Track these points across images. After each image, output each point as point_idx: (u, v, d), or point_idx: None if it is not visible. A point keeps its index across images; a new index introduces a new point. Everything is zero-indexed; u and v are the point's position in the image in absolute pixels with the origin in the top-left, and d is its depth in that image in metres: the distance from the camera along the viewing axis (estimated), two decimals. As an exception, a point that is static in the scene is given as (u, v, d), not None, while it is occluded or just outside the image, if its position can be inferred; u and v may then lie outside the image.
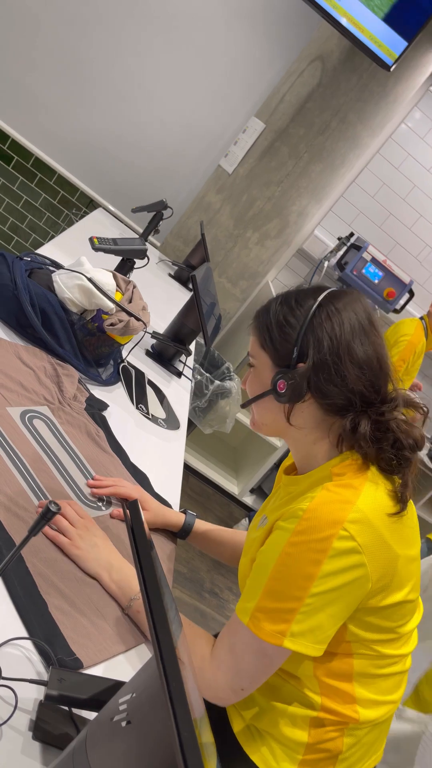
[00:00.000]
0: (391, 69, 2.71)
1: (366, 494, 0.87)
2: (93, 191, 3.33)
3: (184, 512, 1.25)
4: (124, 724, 0.54)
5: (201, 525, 1.26)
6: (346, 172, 3.18)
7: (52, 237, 3.37)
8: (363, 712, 0.97)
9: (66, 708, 0.73)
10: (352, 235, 3.36)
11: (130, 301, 1.54)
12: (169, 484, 1.41)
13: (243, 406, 1.02)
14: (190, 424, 2.62)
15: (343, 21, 2.64)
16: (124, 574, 0.96)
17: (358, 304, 0.95)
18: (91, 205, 3.35)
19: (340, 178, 3.19)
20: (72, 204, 3.36)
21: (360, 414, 0.92)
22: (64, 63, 3.12)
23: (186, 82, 3.17)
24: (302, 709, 0.96)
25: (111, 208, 3.34)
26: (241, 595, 0.92)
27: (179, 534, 1.24)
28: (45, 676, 0.76)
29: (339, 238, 3.40)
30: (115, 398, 1.54)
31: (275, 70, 3.13)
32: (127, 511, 0.62)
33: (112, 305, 1.46)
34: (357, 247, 3.24)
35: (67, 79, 3.15)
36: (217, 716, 1.02)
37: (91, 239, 1.78)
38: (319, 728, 0.97)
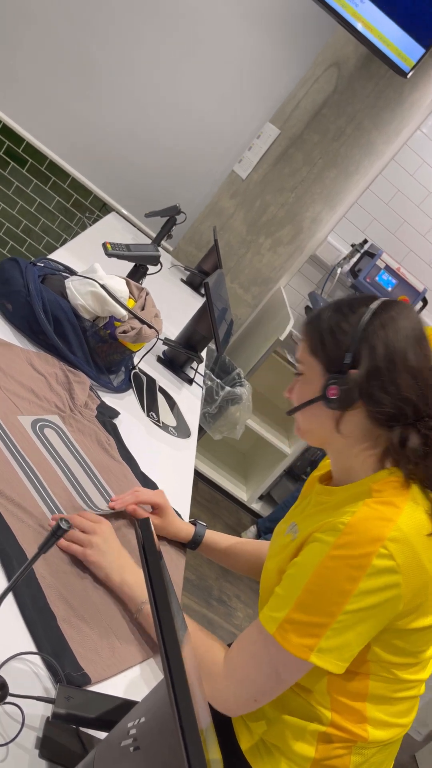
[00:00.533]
0: (408, 76, 2.70)
1: (407, 513, 0.86)
2: (106, 195, 3.33)
3: (194, 523, 1.24)
4: (132, 749, 0.53)
5: (211, 536, 1.25)
6: (360, 178, 3.17)
7: (65, 240, 3.38)
8: (373, 732, 0.95)
9: (73, 726, 0.72)
10: (365, 242, 3.35)
11: (143, 309, 1.53)
12: (179, 492, 1.40)
13: (289, 413, 0.98)
14: (200, 430, 2.61)
15: (360, 27, 2.63)
16: (135, 579, 0.96)
17: (411, 314, 0.95)
18: (105, 208, 3.36)
19: (354, 185, 3.17)
20: (85, 207, 3.37)
21: (408, 427, 0.90)
22: (79, 67, 3.12)
23: (201, 87, 3.16)
24: (311, 723, 0.95)
25: (124, 212, 3.34)
26: (267, 604, 0.89)
27: (189, 545, 1.23)
28: (52, 692, 0.75)
29: (352, 245, 3.39)
30: (126, 405, 1.53)
31: (291, 76, 3.12)
32: (138, 529, 0.61)
33: (124, 312, 1.45)
34: (370, 254, 3.22)
35: (83, 83, 3.16)
36: (223, 726, 1.01)
37: (104, 245, 1.78)
38: (327, 744, 0.95)
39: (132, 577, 0.95)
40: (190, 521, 1.25)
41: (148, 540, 0.61)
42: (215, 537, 1.25)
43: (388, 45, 2.64)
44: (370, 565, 0.81)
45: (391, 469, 0.91)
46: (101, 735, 0.72)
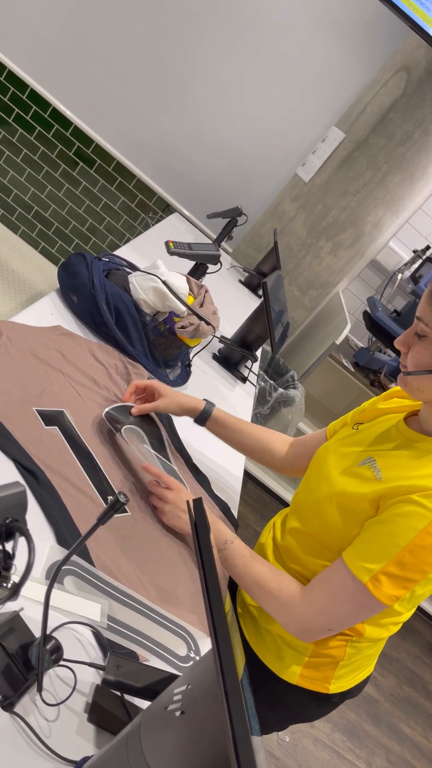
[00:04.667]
0: None
1: None
2: (170, 196, 3.40)
3: (204, 400, 1.32)
4: (178, 714, 0.55)
5: (219, 413, 1.32)
6: (425, 184, 3.12)
7: (128, 240, 3.46)
8: (369, 630, 1.05)
9: (119, 694, 0.75)
10: (428, 248, 3.29)
11: (202, 305, 1.57)
12: (228, 488, 1.42)
13: (408, 374, 0.99)
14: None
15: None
16: (216, 527, 1.08)
17: None
18: (168, 209, 3.42)
19: (419, 190, 3.13)
20: (149, 208, 3.44)
21: None
22: (148, 69, 3.20)
23: (268, 90, 3.19)
24: None
25: (186, 213, 3.40)
26: (356, 553, 0.95)
27: (198, 419, 1.32)
28: (102, 662, 0.78)
29: (414, 251, 3.34)
30: (181, 399, 1.56)
31: (359, 80, 3.11)
32: (192, 511, 0.64)
33: (184, 308, 1.49)
34: (432, 261, 3.17)
35: (151, 85, 3.23)
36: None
37: (166, 243, 1.82)
38: (328, 639, 1.06)
39: (213, 526, 1.06)
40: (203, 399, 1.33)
41: (201, 520, 0.64)
42: (223, 415, 1.33)
43: (460, 48, 2.60)
44: None
45: None
46: (145, 705, 0.75)
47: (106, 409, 1.20)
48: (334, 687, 1.11)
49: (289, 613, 1.00)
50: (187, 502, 0.69)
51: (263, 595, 1.04)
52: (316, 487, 1.08)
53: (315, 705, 1.14)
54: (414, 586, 0.92)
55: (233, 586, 1.23)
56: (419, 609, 3.63)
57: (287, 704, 1.14)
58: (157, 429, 1.32)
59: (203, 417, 1.31)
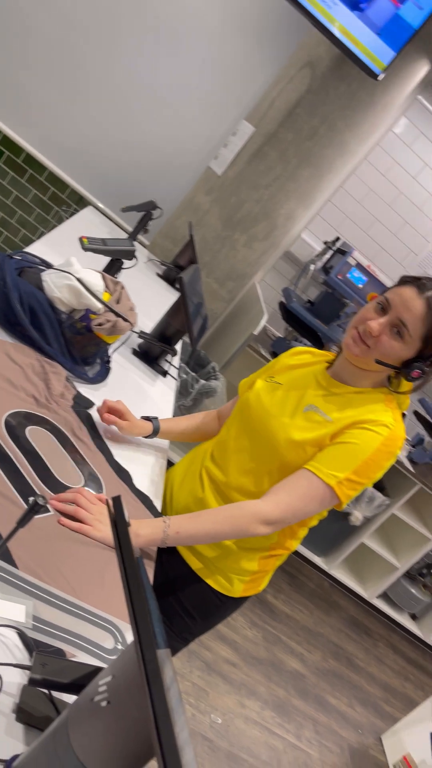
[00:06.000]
0: (379, 78, 2.77)
1: (400, 419, 1.26)
2: (83, 188, 3.35)
3: (148, 419, 1.52)
4: (104, 704, 0.58)
5: (165, 423, 1.54)
6: (333, 177, 3.23)
7: (42, 233, 3.39)
8: (294, 543, 1.37)
9: (46, 692, 0.76)
10: (338, 239, 3.42)
11: (118, 302, 1.57)
12: (150, 481, 1.44)
13: (378, 362, 1.23)
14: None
15: (332, 28, 2.68)
16: (144, 525, 1.17)
17: None
18: (81, 202, 3.37)
19: (327, 183, 3.24)
20: (62, 201, 3.38)
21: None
22: (58, 61, 3.13)
23: (178, 83, 3.20)
24: (260, 549, 1.34)
25: (100, 206, 3.36)
26: (324, 464, 1.20)
27: (151, 436, 1.51)
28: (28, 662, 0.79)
29: (325, 242, 3.46)
30: (102, 396, 1.57)
31: (266, 75, 3.17)
32: (111, 505, 0.66)
33: (100, 305, 1.49)
34: (342, 252, 3.29)
35: (61, 77, 3.17)
36: (172, 552, 1.37)
37: (80, 239, 1.81)
38: (266, 560, 1.37)
39: (143, 529, 1.16)
40: (142, 417, 1.52)
41: (119, 516, 0.66)
42: (169, 423, 1.56)
43: (359, 47, 2.71)
44: (396, 453, 1.23)
45: (392, 388, 1.29)
46: (73, 700, 0.77)
47: (8, 412, 1.19)
48: (257, 590, 1.44)
49: (257, 516, 1.20)
50: (107, 500, 0.71)
51: (229, 522, 1.21)
52: (267, 434, 1.29)
53: (235, 606, 1.45)
54: (361, 488, 1.21)
55: (169, 554, 1.38)
56: (342, 585, 3.79)
57: (224, 612, 1.44)
58: (68, 427, 1.32)
59: (154, 433, 1.52)
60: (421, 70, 3.03)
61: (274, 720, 2.61)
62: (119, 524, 0.66)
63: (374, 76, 2.75)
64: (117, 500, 0.67)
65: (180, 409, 2.70)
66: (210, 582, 1.38)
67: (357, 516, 3.44)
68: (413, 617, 3.98)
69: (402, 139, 3.47)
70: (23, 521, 0.65)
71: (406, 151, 3.49)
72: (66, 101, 3.21)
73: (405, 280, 1.25)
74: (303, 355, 1.45)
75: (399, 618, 3.87)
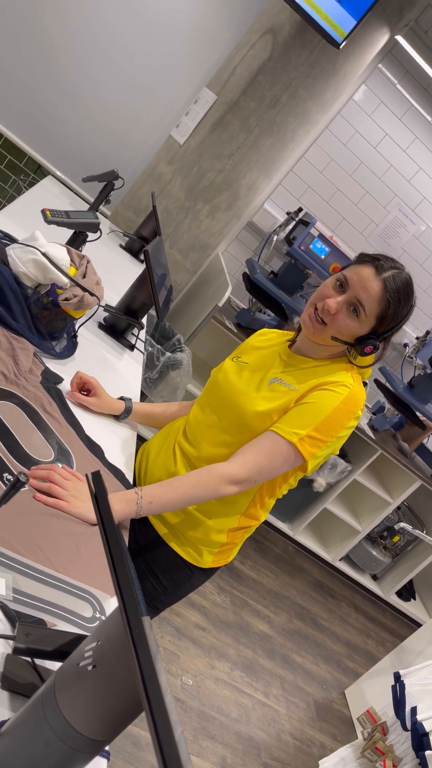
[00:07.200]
0: (341, 47, 2.76)
1: (361, 383, 1.32)
2: (42, 157, 3.27)
3: (122, 399, 1.56)
4: (90, 668, 0.60)
5: (137, 406, 1.58)
6: (295, 147, 3.23)
7: (2, 205, 3.30)
8: (264, 514, 1.42)
9: (29, 660, 0.79)
10: (300, 210, 3.43)
11: (84, 276, 1.57)
12: (122, 454, 1.47)
13: (333, 339, 1.29)
14: (142, 396, 2.67)
15: (295, -5, 2.66)
16: (117, 498, 1.19)
17: None
18: (40, 171, 3.30)
19: (289, 153, 3.24)
20: (20, 170, 3.30)
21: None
22: (13, 23, 3.02)
23: (138, 49, 3.12)
24: (229, 519, 1.38)
25: (60, 175, 3.29)
26: (287, 423, 1.25)
27: (122, 415, 1.55)
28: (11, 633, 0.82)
29: (288, 213, 3.47)
30: (70, 371, 1.57)
31: (227, 41, 3.12)
32: (91, 482, 0.68)
33: (66, 280, 1.49)
34: (305, 223, 3.31)
35: (19, 42, 3.06)
36: (149, 528, 1.42)
37: (43, 211, 1.78)
38: (235, 532, 1.42)
39: (117, 504, 1.18)
40: (118, 398, 1.55)
41: (100, 491, 0.68)
42: (142, 405, 1.59)
43: (320, 14, 2.69)
44: (357, 413, 1.27)
45: (351, 358, 1.34)
46: (57, 667, 0.80)
47: None
48: (227, 561, 1.49)
49: (225, 477, 1.23)
50: (86, 475, 0.73)
51: (199, 485, 1.24)
52: (235, 409, 1.33)
53: (205, 577, 1.49)
54: (324, 446, 1.24)
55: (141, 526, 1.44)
56: (306, 549, 3.91)
57: (193, 582, 1.48)
58: (38, 402, 1.32)
59: (126, 413, 1.55)
60: (381, 39, 3.03)
61: (243, 679, 2.71)
62: (100, 499, 0.68)
63: (336, 44, 2.74)
64: (97, 475, 0.69)
65: (146, 382, 2.71)
66: (179, 551, 1.42)
67: (320, 482, 3.54)
68: (374, 578, 4.14)
69: (363, 108, 3.47)
70: (5, 498, 0.67)
71: (366, 121, 3.50)
72: (22, 65, 3.11)
73: (364, 259, 1.29)
74: (269, 335, 1.50)
75: (361, 579, 4.02)
